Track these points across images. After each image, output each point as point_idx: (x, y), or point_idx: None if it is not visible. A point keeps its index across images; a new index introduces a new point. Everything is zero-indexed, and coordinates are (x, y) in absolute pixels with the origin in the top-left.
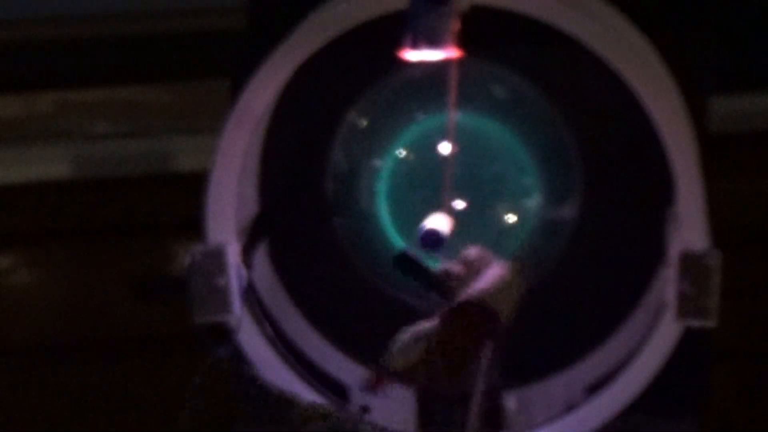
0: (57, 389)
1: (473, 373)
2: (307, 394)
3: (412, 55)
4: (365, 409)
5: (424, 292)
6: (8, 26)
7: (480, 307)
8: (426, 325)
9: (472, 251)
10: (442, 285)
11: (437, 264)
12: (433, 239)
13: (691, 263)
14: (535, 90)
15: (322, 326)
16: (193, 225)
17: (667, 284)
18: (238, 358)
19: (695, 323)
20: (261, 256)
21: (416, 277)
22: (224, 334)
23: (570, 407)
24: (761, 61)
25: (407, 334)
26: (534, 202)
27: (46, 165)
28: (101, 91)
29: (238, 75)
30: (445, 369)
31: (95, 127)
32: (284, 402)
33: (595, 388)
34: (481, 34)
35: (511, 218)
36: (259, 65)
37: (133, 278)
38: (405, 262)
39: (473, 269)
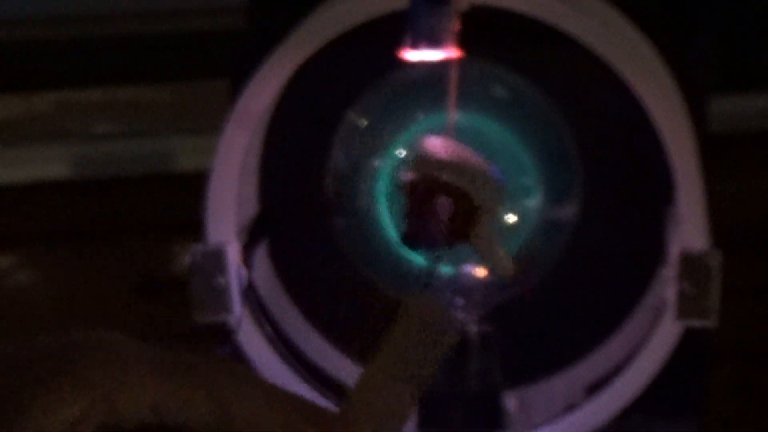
0: None
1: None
2: (307, 394)
3: (412, 55)
4: None
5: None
6: (8, 26)
7: (453, 185)
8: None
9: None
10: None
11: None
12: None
13: (691, 263)
14: (535, 90)
15: (322, 326)
16: (193, 225)
17: (667, 284)
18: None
19: (695, 323)
20: (261, 256)
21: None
22: (224, 334)
23: (570, 407)
24: (761, 61)
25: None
26: (534, 202)
27: (46, 165)
28: (101, 91)
29: (238, 75)
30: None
31: (95, 127)
32: None
33: (595, 388)
34: (481, 34)
35: (511, 218)
36: (259, 65)
37: (133, 278)
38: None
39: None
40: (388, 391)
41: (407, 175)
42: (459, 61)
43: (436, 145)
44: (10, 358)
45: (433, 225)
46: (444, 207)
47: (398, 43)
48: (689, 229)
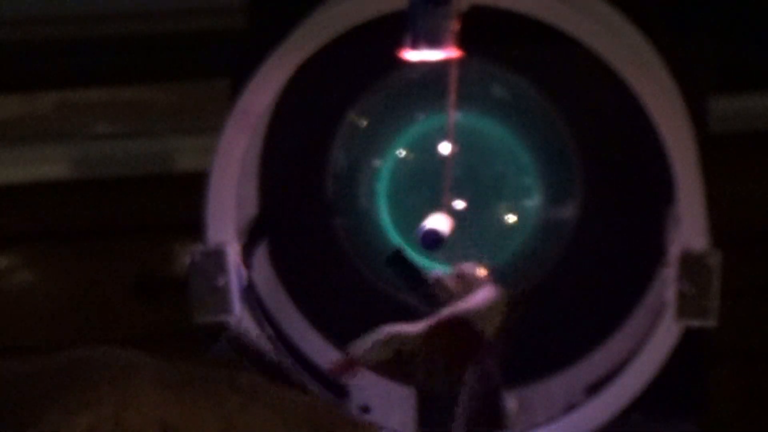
0: None
1: (456, 395)
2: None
3: (412, 55)
4: (365, 409)
5: (409, 293)
6: (8, 26)
7: (465, 327)
8: (407, 329)
9: (469, 266)
10: (430, 292)
11: (432, 268)
12: (433, 239)
13: (691, 263)
14: (535, 90)
15: (322, 326)
16: (193, 225)
17: (667, 284)
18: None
19: (695, 323)
20: (261, 256)
21: (407, 278)
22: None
23: (570, 407)
24: (761, 61)
25: (384, 333)
26: (534, 202)
27: (46, 165)
28: (101, 91)
29: (238, 75)
30: (425, 378)
31: (95, 127)
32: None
33: (595, 388)
34: (481, 34)
35: (511, 218)
36: (259, 65)
37: (133, 278)
38: (398, 262)
39: (465, 285)
40: None
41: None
42: (459, 61)
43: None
44: (20, 374)
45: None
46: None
47: (398, 43)
48: (689, 229)
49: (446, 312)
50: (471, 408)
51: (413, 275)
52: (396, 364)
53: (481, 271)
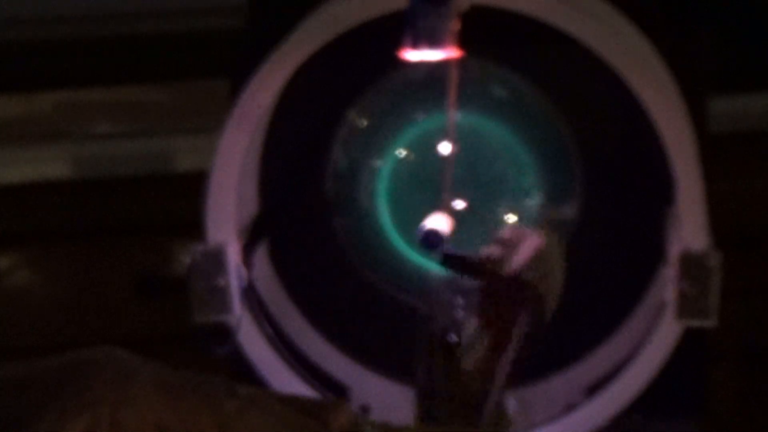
0: None
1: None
2: (307, 394)
3: (412, 55)
4: (365, 409)
5: (472, 280)
6: (8, 26)
7: (513, 280)
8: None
9: (507, 231)
10: (484, 270)
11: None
12: (433, 239)
13: (691, 263)
14: (535, 90)
15: (322, 326)
16: (193, 225)
17: (667, 284)
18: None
19: (695, 323)
20: (261, 256)
21: (463, 270)
22: (224, 334)
23: (570, 407)
24: (761, 61)
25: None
26: (534, 202)
27: (46, 165)
28: (101, 91)
29: (238, 75)
30: (490, 344)
31: (95, 127)
32: None
33: (595, 388)
34: (481, 34)
35: (511, 218)
36: (259, 65)
37: (132, 278)
38: (450, 261)
39: (511, 246)
40: None
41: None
42: (459, 61)
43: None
44: (19, 376)
45: (500, 324)
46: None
47: (398, 43)
48: (689, 229)
49: (504, 269)
50: (518, 351)
51: (466, 265)
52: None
53: (520, 229)
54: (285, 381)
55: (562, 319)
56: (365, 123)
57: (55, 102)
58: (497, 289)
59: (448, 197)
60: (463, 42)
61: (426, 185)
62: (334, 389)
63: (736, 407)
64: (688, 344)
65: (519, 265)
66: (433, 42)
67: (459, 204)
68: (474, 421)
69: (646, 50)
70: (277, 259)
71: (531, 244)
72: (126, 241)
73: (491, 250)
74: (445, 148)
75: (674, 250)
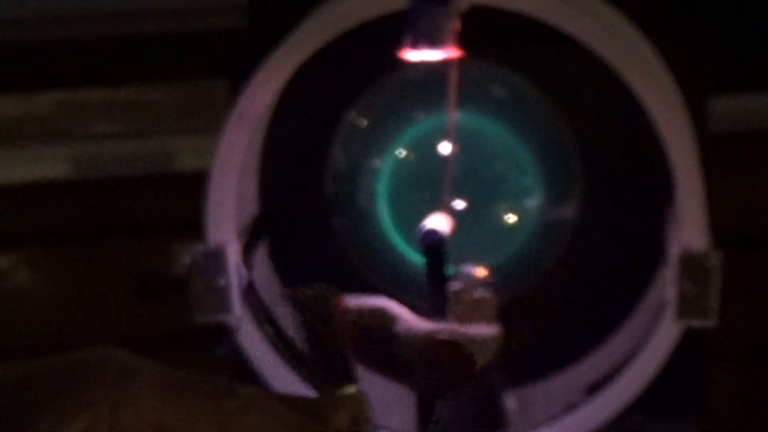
0: None
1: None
2: (307, 394)
3: (412, 55)
4: None
5: (424, 284)
6: (8, 26)
7: (462, 351)
8: (404, 315)
9: (487, 293)
10: (442, 301)
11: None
12: (433, 239)
13: (691, 263)
14: (535, 90)
15: None
16: (193, 225)
17: (667, 284)
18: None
19: (695, 323)
20: (261, 256)
21: (433, 277)
22: (224, 334)
23: (570, 407)
24: (761, 61)
25: (380, 303)
26: (534, 202)
27: (46, 165)
28: (101, 91)
29: (238, 75)
30: (414, 372)
31: (95, 127)
32: None
33: (595, 388)
34: (481, 34)
35: (511, 218)
36: (259, 65)
37: (133, 278)
38: (435, 261)
39: (477, 310)
40: None
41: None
42: (459, 61)
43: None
44: (18, 376)
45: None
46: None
47: (398, 43)
48: (689, 229)
49: (451, 330)
50: (447, 419)
51: (439, 278)
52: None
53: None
54: (285, 381)
55: (562, 319)
56: (365, 123)
57: (55, 102)
58: (445, 345)
59: (448, 197)
60: (463, 42)
61: (426, 185)
62: None
63: (736, 407)
64: (688, 344)
65: (466, 335)
66: (433, 42)
67: (459, 204)
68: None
69: (646, 50)
70: (277, 259)
71: (491, 329)
72: (126, 241)
73: (463, 295)
74: (445, 148)
75: (674, 250)
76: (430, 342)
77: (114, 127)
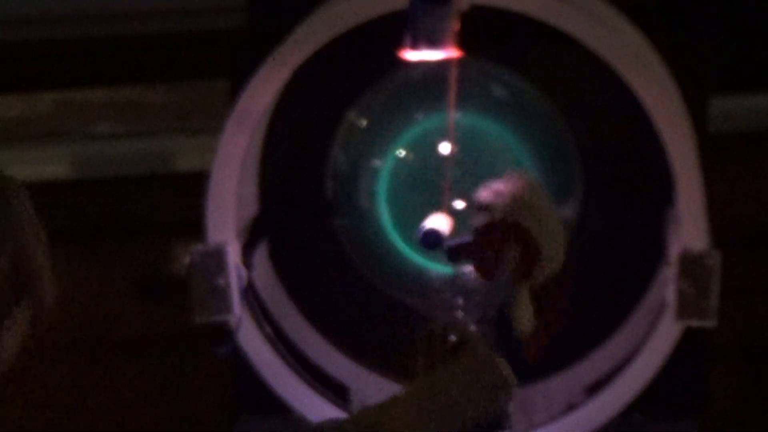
0: (57, 389)
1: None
2: (307, 394)
3: (412, 55)
4: None
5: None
6: (8, 26)
7: (501, 222)
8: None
9: (496, 183)
10: (479, 231)
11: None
12: (433, 239)
13: (691, 263)
14: (535, 90)
15: (322, 326)
16: (193, 225)
17: (667, 284)
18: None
19: (695, 323)
20: (261, 256)
21: (467, 254)
22: (224, 334)
23: (570, 407)
24: (761, 61)
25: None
26: None
27: (46, 165)
28: (101, 91)
29: (238, 75)
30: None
31: (95, 127)
32: None
33: (595, 388)
34: (481, 34)
35: None
36: (259, 65)
37: (133, 278)
38: (455, 253)
39: (498, 194)
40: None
41: (480, 218)
42: (459, 61)
43: (517, 186)
44: None
45: (496, 267)
46: (511, 255)
47: (398, 43)
48: (689, 229)
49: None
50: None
51: (468, 246)
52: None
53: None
54: (285, 381)
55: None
56: (365, 123)
57: (55, 102)
58: (489, 236)
59: (448, 197)
60: (463, 42)
61: (426, 185)
62: (334, 389)
63: (736, 407)
64: (688, 344)
65: (504, 209)
66: (433, 42)
67: (459, 204)
68: None
69: (646, 50)
70: (277, 259)
71: (514, 186)
72: (126, 241)
73: (482, 196)
74: (445, 148)
75: (674, 250)
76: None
77: (114, 127)
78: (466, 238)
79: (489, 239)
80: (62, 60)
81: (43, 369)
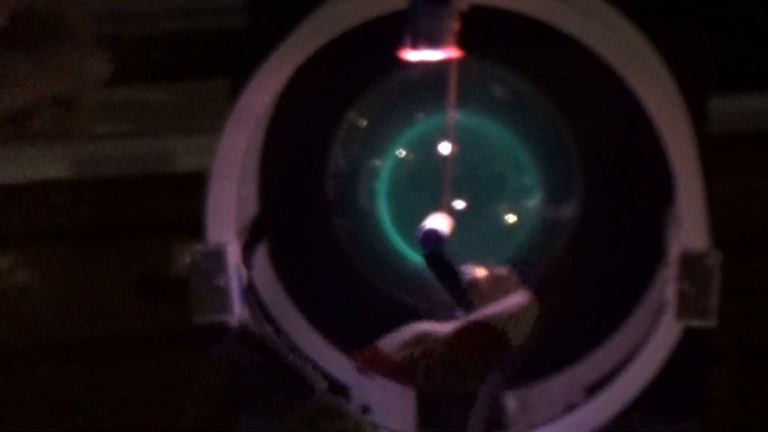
0: (57, 389)
1: (476, 395)
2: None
3: (412, 55)
4: (365, 409)
5: (445, 293)
6: None
7: (492, 330)
8: (436, 328)
9: (503, 270)
10: (464, 294)
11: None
12: (433, 239)
13: (691, 263)
14: (535, 90)
15: (322, 326)
16: (193, 225)
17: (667, 284)
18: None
19: (695, 323)
20: (261, 256)
21: (443, 277)
22: (224, 334)
23: (570, 407)
24: (761, 61)
25: (411, 331)
26: (534, 202)
27: (46, 165)
28: (102, 91)
29: (238, 75)
30: (444, 380)
31: (95, 127)
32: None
33: (595, 388)
34: (481, 34)
35: (511, 218)
36: (259, 65)
37: (133, 278)
38: (435, 261)
39: (499, 289)
40: None
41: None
42: (459, 61)
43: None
44: None
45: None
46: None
47: (398, 43)
48: (689, 229)
49: (475, 315)
50: (488, 410)
51: (449, 275)
52: (421, 363)
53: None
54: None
55: (563, 319)
56: (365, 123)
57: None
58: (473, 330)
59: (448, 197)
60: (463, 42)
61: (426, 185)
62: (335, 389)
63: (736, 407)
64: (688, 344)
65: (497, 314)
66: (433, 42)
67: (459, 204)
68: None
69: (646, 50)
70: (277, 259)
71: (517, 299)
72: (126, 241)
73: (480, 281)
74: (445, 148)
75: (674, 250)
76: (457, 330)
77: (114, 127)
78: (458, 267)
79: (468, 334)
80: None
81: (43, 369)
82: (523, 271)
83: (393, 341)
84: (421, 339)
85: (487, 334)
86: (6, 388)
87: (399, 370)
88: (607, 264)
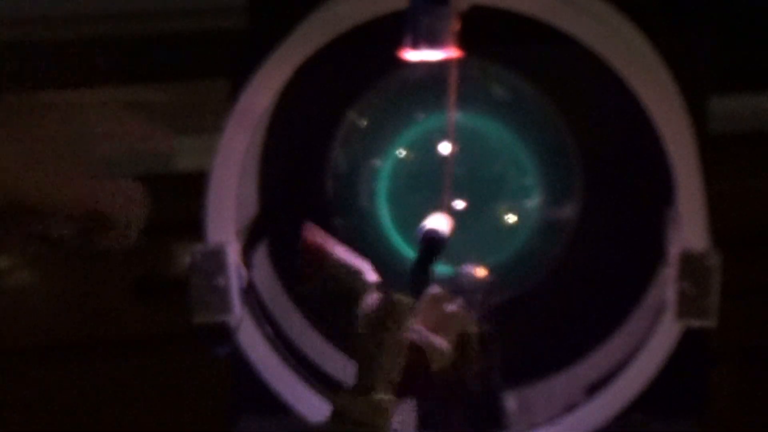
0: (57, 389)
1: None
2: (307, 394)
3: (412, 55)
4: None
5: (409, 276)
6: (8, 26)
7: (421, 353)
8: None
9: (460, 310)
10: (418, 293)
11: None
12: (433, 239)
13: (691, 263)
14: (535, 90)
15: (322, 326)
16: (193, 225)
17: (667, 284)
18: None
19: (695, 323)
20: (261, 256)
21: (417, 275)
22: (224, 334)
23: (570, 407)
24: (761, 61)
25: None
26: (534, 202)
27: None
28: (101, 91)
29: (238, 75)
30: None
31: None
32: None
33: (595, 388)
34: (481, 34)
35: (511, 218)
36: (259, 65)
37: (132, 278)
38: (424, 263)
39: (442, 320)
40: None
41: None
42: (459, 61)
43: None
44: None
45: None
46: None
47: (398, 43)
48: (689, 229)
49: (414, 332)
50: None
51: (422, 281)
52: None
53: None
54: (285, 381)
55: (563, 319)
56: (365, 123)
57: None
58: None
59: (448, 197)
60: (463, 42)
61: (426, 185)
62: (334, 389)
63: (736, 407)
64: (688, 344)
65: (429, 341)
66: (433, 42)
67: (459, 204)
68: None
69: (646, 50)
70: (277, 259)
71: (443, 344)
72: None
73: (445, 300)
74: (445, 148)
75: (674, 250)
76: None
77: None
78: (433, 282)
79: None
80: (62, 60)
81: (43, 369)
82: (520, 275)
83: (339, 252)
84: (359, 283)
85: (417, 353)
86: (6, 388)
87: (322, 273)
88: (607, 264)
